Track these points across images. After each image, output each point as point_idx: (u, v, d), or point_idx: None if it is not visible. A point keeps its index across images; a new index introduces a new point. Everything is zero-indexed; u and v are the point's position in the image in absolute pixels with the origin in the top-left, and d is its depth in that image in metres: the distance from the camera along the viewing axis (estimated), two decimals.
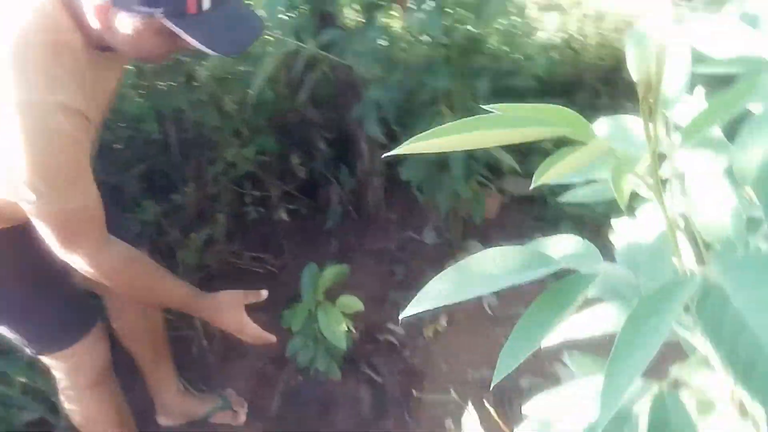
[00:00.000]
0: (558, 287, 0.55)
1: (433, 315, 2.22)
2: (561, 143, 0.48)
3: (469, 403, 1.61)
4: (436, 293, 0.56)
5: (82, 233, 1.17)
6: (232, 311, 1.44)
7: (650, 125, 0.47)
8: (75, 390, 1.55)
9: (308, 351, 1.88)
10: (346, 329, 1.60)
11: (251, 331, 1.47)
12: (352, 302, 1.66)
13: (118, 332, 1.74)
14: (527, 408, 0.63)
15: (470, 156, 1.70)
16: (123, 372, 1.93)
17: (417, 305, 0.57)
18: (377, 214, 2.68)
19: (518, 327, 0.53)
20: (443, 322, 2.16)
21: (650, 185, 0.50)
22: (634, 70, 0.47)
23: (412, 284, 2.40)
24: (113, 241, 1.25)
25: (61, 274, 1.35)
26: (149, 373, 1.91)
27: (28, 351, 1.45)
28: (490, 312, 2.15)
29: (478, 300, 2.22)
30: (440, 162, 1.83)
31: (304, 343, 1.87)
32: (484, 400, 1.70)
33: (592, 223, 2.33)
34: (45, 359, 1.49)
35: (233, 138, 2.15)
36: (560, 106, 0.47)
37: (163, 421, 1.98)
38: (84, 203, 1.15)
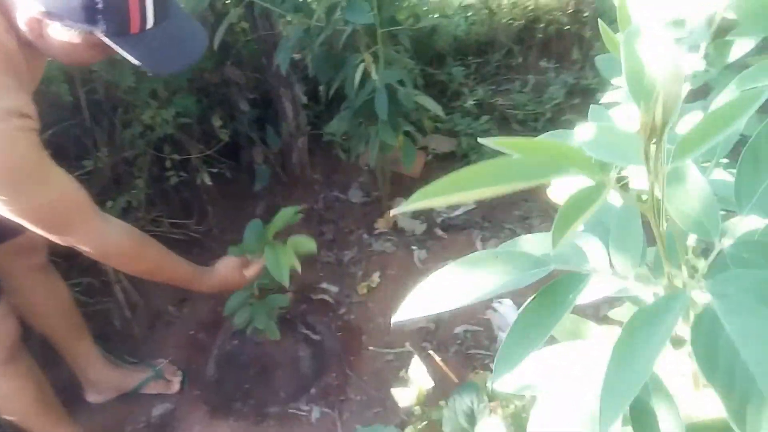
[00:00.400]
0: (552, 288, 0.55)
1: (365, 272, 2.26)
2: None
3: (414, 353, 1.68)
4: (427, 300, 0.57)
5: (71, 220, 1.18)
6: (235, 277, 1.55)
7: (651, 167, 0.43)
8: None
9: (245, 311, 1.85)
10: (291, 267, 1.58)
11: (255, 274, 1.60)
12: (305, 241, 1.63)
13: (23, 311, 1.65)
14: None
15: (396, 107, 1.71)
16: (47, 350, 1.84)
17: (406, 312, 0.58)
18: (302, 175, 2.66)
19: (513, 330, 0.52)
20: (376, 278, 2.20)
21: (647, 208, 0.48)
22: (638, 115, 0.42)
23: (343, 244, 2.43)
24: (110, 220, 1.28)
25: None
26: (67, 350, 1.82)
27: None
28: (420, 265, 2.21)
29: (409, 254, 2.28)
30: (367, 115, 1.83)
31: (242, 302, 1.84)
32: (430, 351, 1.79)
33: None
34: None
35: (150, 99, 2.03)
36: (573, 148, 0.42)
37: (92, 398, 1.91)
38: (60, 193, 1.15)
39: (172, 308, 2.27)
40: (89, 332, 1.89)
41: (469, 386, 1.26)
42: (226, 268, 1.56)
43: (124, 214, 2.19)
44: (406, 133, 2.01)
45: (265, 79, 2.32)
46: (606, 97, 0.91)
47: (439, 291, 0.56)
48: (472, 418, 1.24)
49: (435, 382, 1.48)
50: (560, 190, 1.15)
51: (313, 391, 1.90)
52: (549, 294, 0.54)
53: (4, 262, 1.55)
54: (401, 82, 1.69)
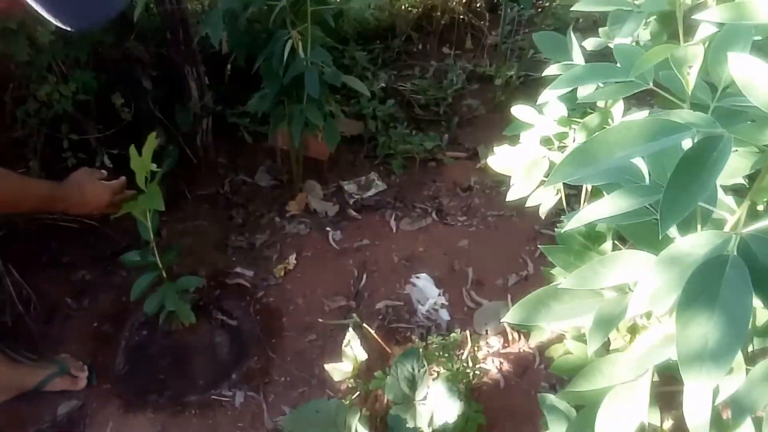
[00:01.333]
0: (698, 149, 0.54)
1: (281, 255, 2.24)
2: None
3: (350, 325, 1.70)
4: (570, 173, 0.56)
5: None
6: (96, 188, 1.51)
7: None
8: None
9: (155, 296, 1.78)
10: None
11: (115, 192, 1.56)
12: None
13: None
14: None
15: (323, 87, 1.72)
16: None
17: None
18: (206, 158, 2.58)
19: (668, 190, 0.54)
20: (292, 260, 2.19)
21: None
22: None
23: (254, 227, 2.39)
24: None
25: None
26: None
27: None
28: (336, 246, 2.24)
29: (324, 235, 2.30)
30: (293, 94, 1.81)
31: (150, 283, 1.76)
32: (364, 324, 1.82)
33: (422, 158, 2.53)
34: None
35: (46, 74, 1.88)
36: None
37: None
38: None
39: (70, 300, 2.11)
40: None
41: (410, 353, 1.32)
42: (81, 176, 1.51)
43: None
44: (329, 114, 2.01)
45: (169, 55, 2.22)
46: (549, 70, 0.99)
47: (576, 164, 0.56)
48: (413, 383, 1.29)
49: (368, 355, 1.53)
50: (501, 159, 1.23)
51: (234, 376, 1.87)
52: (698, 156, 0.54)
53: None
54: (325, 63, 1.69)
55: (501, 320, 1.86)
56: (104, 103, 2.18)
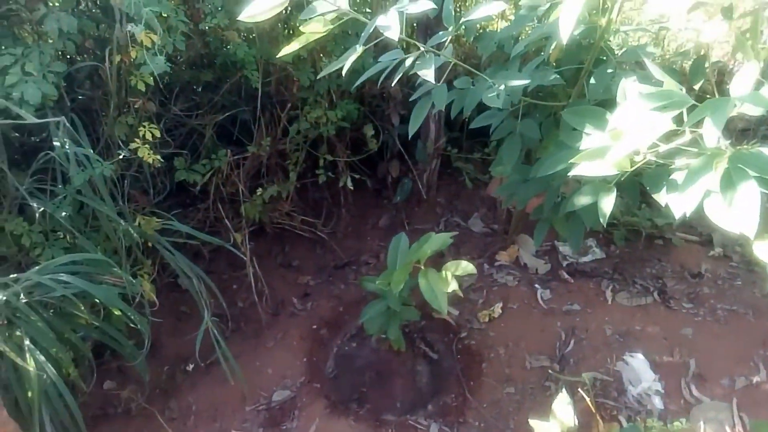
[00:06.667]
0: None
1: (486, 301, 2.27)
2: None
3: (563, 387, 1.67)
4: None
5: None
6: None
7: None
8: None
9: (379, 320, 1.89)
10: (449, 291, 1.58)
11: None
12: (465, 264, 1.62)
13: None
14: None
15: None
16: None
17: None
18: (428, 196, 2.72)
19: None
20: (498, 308, 2.21)
21: None
22: None
23: None
24: None
25: None
26: None
27: None
28: (543, 305, 2.21)
29: (531, 291, 2.29)
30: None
31: (379, 311, 1.88)
32: (580, 390, 1.78)
33: (647, 233, 2.41)
34: None
35: (320, 99, 2.13)
36: None
37: None
38: None
39: (296, 300, 2.34)
40: None
41: (630, 429, 1.26)
42: None
43: (269, 201, 2.29)
44: None
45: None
46: None
47: None
48: None
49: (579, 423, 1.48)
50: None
51: (430, 407, 1.92)
52: None
53: None
54: None
55: (725, 424, 1.70)
56: (356, 132, 2.42)
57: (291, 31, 2.03)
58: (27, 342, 1.49)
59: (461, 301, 2.29)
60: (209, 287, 1.90)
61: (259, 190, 2.23)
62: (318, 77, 1.92)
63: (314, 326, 2.21)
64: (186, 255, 1.92)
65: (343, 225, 2.65)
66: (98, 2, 1.50)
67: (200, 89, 2.06)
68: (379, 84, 1.57)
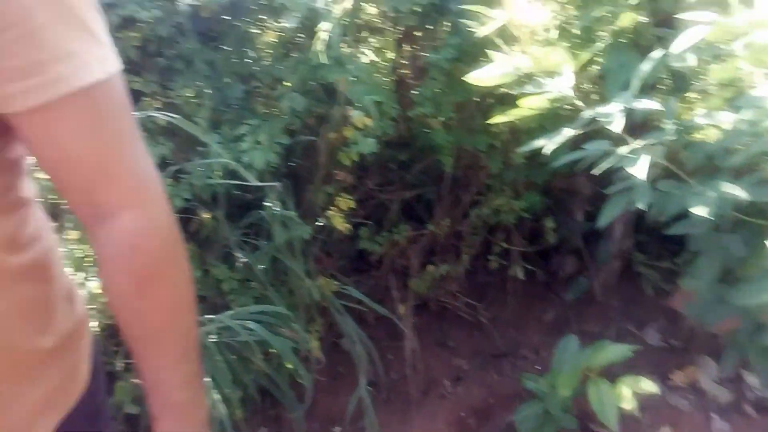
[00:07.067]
0: None
1: (652, 423, 2.08)
2: None
3: None
4: None
5: None
6: None
7: None
8: None
9: (536, 421, 1.81)
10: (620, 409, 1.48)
11: None
12: (644, 383, 1.52)
13: None
14: None
15: None
16: None
17: None
18: (601, 297, 2.58)
19: None
20: (666, 429, 2.01)
21: None
22: None
23: None
24: None
25: None
26: None
27: None
28: None
29: (706, 421, 2.06)
30: None
31: (535, 412, 1.80)
32: None
33: None
34: None
35: (505, 187, 2.15)
36: None
37: None
38: None
39: (447, 382, 2.32)
40: None
41: None
42: None
43: (439, 279, 2.33)
44: None
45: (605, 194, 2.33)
46: None
47: None
48: None
49: None
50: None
51: None
52: None
53: None
54: None
55: None
56: (534, 222, 2.40)
57: (487, 123, 2.09)
58: (208, 379, 1.64)
59: (625, 419, 2.11)
60: (369, 354, 1.95)
61: (430, 267, 2.27)
62: (519, 150, 1.94)
63: (462, 413, 2.17)
64: (352, 318, 2.01)
65: (506, 313, 2.59)
66: (324, 85, 1.67)
67: (395, 167, 2.18)
68: (568, 177, 1.56)
